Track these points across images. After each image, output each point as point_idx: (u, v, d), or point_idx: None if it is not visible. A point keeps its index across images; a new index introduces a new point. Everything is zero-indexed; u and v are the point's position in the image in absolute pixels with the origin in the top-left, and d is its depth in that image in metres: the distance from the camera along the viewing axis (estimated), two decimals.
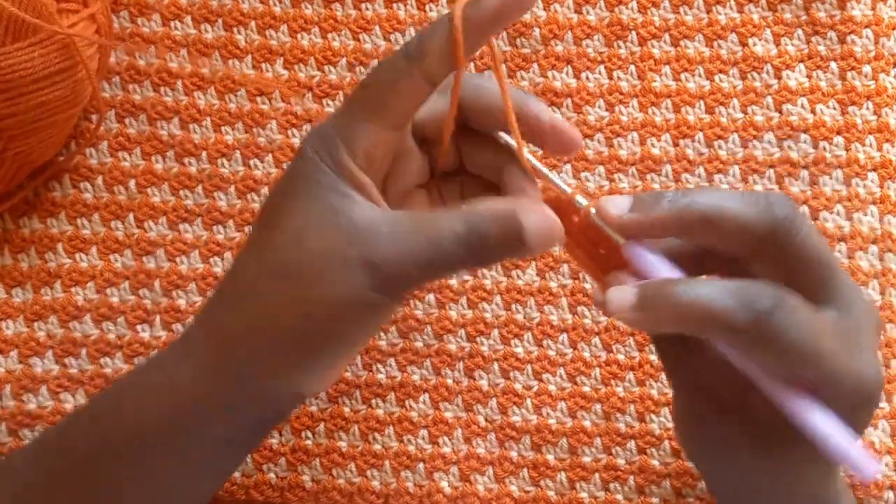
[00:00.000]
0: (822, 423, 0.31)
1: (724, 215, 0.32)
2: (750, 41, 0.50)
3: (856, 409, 0.33)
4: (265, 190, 0.49)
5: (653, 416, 0.47)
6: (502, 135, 0.37)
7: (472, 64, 0.50)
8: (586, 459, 0.47)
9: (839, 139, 0.49)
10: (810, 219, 0.34)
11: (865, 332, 0.33)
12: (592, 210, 0.35)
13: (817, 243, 0.33)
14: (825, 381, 0.32)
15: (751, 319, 0.31)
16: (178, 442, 0.36)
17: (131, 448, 0.36)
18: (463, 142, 0.38)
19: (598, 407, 0.47)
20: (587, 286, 0.48)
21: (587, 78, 0.50)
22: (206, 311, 0.37)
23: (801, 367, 0.32)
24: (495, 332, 0.48)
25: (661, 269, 0.33)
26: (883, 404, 0.47)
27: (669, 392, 0.47)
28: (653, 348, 0.47)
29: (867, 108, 0.49)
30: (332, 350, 0.35)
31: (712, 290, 0.31)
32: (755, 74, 0.50)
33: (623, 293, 0.33)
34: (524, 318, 0.48)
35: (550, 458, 0.47)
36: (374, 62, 0.50)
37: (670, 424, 0.47)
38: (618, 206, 0.34)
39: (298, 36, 0.51)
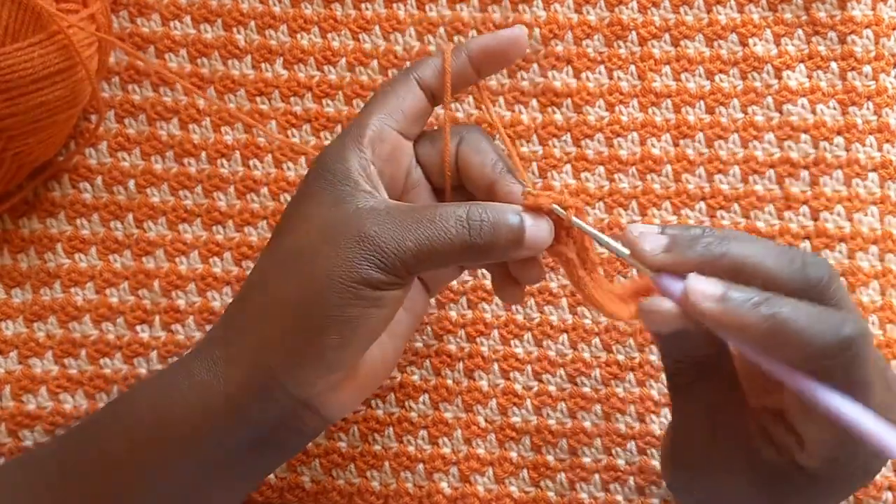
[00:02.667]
0: (862, 417, 0.32)
1: (757, 271, 0.32)
2: (750, 41, 0.50)
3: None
4: (265, 190, 0.49)
5: (653, 417, 0.47)
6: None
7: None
8: (586, 460, 0.47)
9: (839, 139, 0.49)
10: (840, 280, 0.34)
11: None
12: (574, 219, 0.36)
13: (851, 305, 0.34)
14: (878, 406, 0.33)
15: (837, 344, 0.31)
16: (190, 440, 0.36)
17: (139, 449, 0.37)
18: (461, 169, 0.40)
19: (598, 408, 0.47)
20: None
21: (587, 78, 0.50)
22: (227, 311, 0.38)
23: (866, 390, 0.32)
24: (495, 333, 0.48)
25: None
26: None
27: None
28: (653, 349, 0.47)
29: (867, 109, 0.49)
30: (331, 336, 0.34)
31: (800, 313, 0.31)
32: (755, 74, 0.49)
33: (707, 286, 0.32)
34: (524, 318, 0.48)
35: (550, 458, 0.47)
36: (374, 62, 0.50)
37: None
38: (652, 243, 0.34)
39: (298, 36, 0.51)
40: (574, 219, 0.36)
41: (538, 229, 0.36)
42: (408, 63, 0.50)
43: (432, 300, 0.48)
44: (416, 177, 0.40)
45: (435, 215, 0.35)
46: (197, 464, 0.37)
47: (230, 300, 0.48)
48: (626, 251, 0.35)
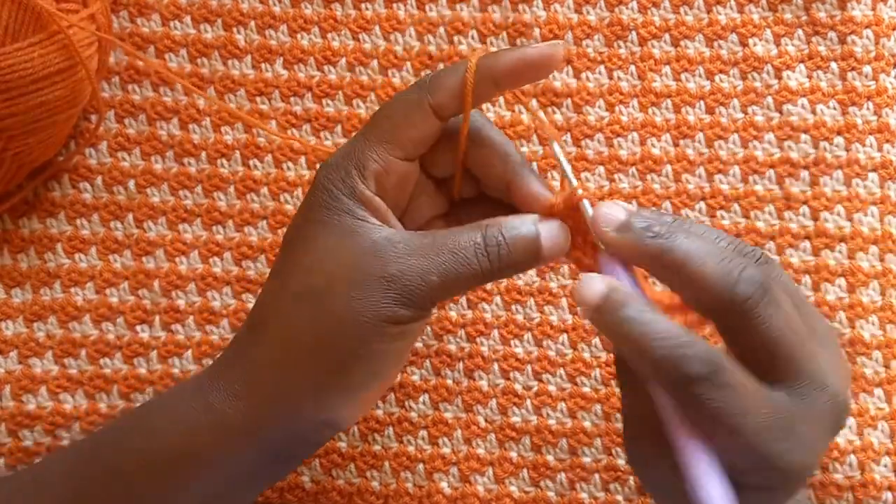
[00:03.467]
0: (706, 480, 0.30)
1: (694, 275, 0.32)
2: (750, 41, 0.50)
3: (771, 486, 0.32)
4: (265, 190, 0.49)
5: None
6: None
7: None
8: (586, 460, 0.47)
9: (839, 139, 0.49)
10: (789, 294, 0.33)
11: (813, 422, 0.32)
12: (587, 204, 0.35)
13: (779, 325, 0.32)
14: (739, 453, 0.31)
15: (679, 381, 0.30)
16: (201, 467, 0.36)
17: (157, 471, 0.37)
18: (474, 165, 0.39)
19: (598, 407, 0.47)
20: None
21: (587, 78, 0.50)
22: (235, 341, 0.38)
23: (716, 433, 0.31)
24: (495, 333, 0.48)
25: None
26: (883, 405, 0.47)
27: None
28: None
29: (867, 109, 0.49)
30: (359, 371, 0.35)
31: (658, 331, 0.31)
32: (755, 75, 0.49)
33: (592, 286, 0.32)
34: (524, 318, 0.48)
35: (550, 458, 0.47)
36: (374, 62, 0.50)
37: None
38: (610, 219, 0.34)
39: (298, 36, 0.51)
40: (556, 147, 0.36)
41: (554, 238, 0.35)
42: (408, 64, 0.50)
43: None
44: (421, 183, 0.39)
45: (454, 246, 0.34)
46: (208, 481, 0.37)
47: (230, 300, 0.48)
48: (591, 213, 0.35)
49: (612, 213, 0.33)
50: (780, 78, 0.49)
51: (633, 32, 0.50)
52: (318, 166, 0.38)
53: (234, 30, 0.51)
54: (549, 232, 0.35)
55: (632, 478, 0.46)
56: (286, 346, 0.35)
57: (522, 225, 0.35)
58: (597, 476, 0.46)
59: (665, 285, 0.34)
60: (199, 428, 0.36)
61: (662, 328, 0.31)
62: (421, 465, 0.47)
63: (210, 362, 0.48)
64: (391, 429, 0.47)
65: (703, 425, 0.31)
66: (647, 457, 0.35)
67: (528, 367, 0.47)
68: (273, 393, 0.35)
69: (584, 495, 0.46)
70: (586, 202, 0.35)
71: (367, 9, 0.51)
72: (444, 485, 0.47)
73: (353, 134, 0.38)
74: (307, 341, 0.35)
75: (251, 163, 0.50)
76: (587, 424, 0.47)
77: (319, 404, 0.35)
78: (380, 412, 0.47)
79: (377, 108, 0.50)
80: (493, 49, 0.50)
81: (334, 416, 0.36)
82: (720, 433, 0.31)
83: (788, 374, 0.32)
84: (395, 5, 0.51)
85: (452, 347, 0.48)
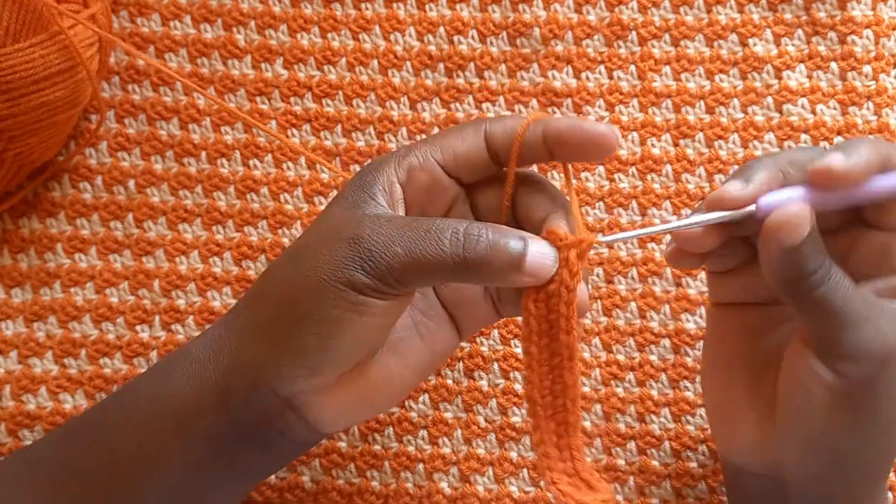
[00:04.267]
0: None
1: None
2: (750, 41, 0.50)
3: (882, 362, 0.34)
4: (265, 190, 0.49)
5: (653, 417, 0.47)
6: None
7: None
8: (586, 459, 0.46)
9: (839, 139, 0.49)
10: None
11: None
12: (599, 238, 0.34)
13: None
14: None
15: (792, 279, 0.34)
16: (182, 429, 0.36)
17: (149, 438, 0.37)
18: (521, 204, 0.38)
19: (598, 407, 0.47)
20: (588, 287, 0.48)
21: (587, 78, 0.50)
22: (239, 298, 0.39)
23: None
24: (495, 333, 0.48)
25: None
26: None
27: (670, 392, 0.47)
28: (653, 349, 0.47)
29: (867, 109, 0.49)
30: (309, 333, 0.34)
31: (792, 218, 0.34)
32: (755, 74, 0.49)
33: (796, 211, 0.34)
34: None
35: None
36: (374, 62, 0.50)
37: (670, 425, 0.47)
38: (730, 188, 0.35)
39: (298, 36, 0.51)
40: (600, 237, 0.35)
41: (541, 257, 0.34)
42: (408, 64, 0.50)
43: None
44: (462, 214, 0.38)
45: (432, 226, 0.34)
46: (189, 456, 0.37)
47: (230, 300, 0.48)
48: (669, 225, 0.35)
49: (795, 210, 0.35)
50: (780, 78, 0.49)
51: (633, 32, 0.50)
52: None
53: (234, 30, 0.51)
54: (538, 249, 0.34)
55: (632, 478, 0.46)
56: (257, 301, 0.36)
57: (511, 233, 0.34)
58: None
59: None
60: (176, 385, 0.36)
61: (791, 206, 0.34)
62: (421, 465, 0.47)
63: None
64: (391, 429, 0.47)
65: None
66: (719, 386, 0.39)
67: None
68: (237, 345, 0.36)
69: None
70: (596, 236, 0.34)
71: (367, 9, 0.51)
72: (444, 485, 0.47)
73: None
74: (273, 296, 0.35)
75: (251, 163, 0.50)
76: (587, 425, 0.47)
77: (275, 370, 0.35)
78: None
79: (377, 108, 0.50)
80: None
81: (294, 392, 0.35)
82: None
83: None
84: (395, 5, 0.51)
85: None
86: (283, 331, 0.35)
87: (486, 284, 0.38)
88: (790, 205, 0.34)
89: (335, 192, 0.48)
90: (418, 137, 0.49)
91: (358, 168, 0.49)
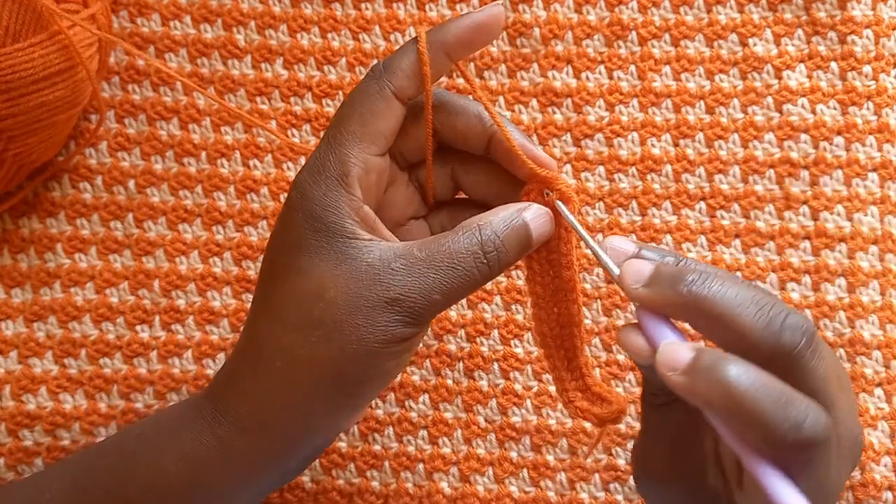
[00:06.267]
0: (791, 497, 0.30)
1: (732, 324, 0.31)
2: (750, 41, 0.50)
3: None
4: (265, 190, 0.49)
5: None
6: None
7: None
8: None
9: (839, 139, 0.49)
10: (824, 343, 0.33)
11: (840, 462, 0.32)
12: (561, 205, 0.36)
13: (822, 372, 0.31)
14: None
15: (789, 431, 0.29)
16: (211, 497, 0.36)
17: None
18: (456, 166, 0.39)
19: None
20: (587, 286, 0.48)
21: (587, 78, 0.50)
22: (231, 372, 0.37)
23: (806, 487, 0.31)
24: (495, 333, 0.48)
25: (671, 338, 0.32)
26: (883, 405, 0.47)
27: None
28: None
29: (867, 109, 0.49)
30: (370, 390, 0.36)
31: (760, 389, 0.29)
32: (755, 74, 0.49)
33: (677, 354, 0.31)
34: (524, 318, 0.48)
35: (550, 458, 0.47)
36: (374, 62, 0.50)
37: None
38: (635, 275, 0.33)
39: (298, 36, 0.51)
40: (565, 212, 0.36)
41: (541, 226, 0.36)
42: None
43: None
44: (394, 175, 0.38)
45: (453, 258, 0.34)
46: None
47: (230, 300, 0.48)
48: (617, 271, 0.34)
49: (640, 267, 0.33)
50: (780, 78, 0.49)
51: (633, 32, 0.50)
52: (292, 184, 0.36)
53: (234, 30, 0.51)
54: (537, 220, 0.36)
55: (632, 478, 0.46)
56: (293, 379, 0.35)
57: (512, 219, 0.35)
58: (597, 476, 0.46)
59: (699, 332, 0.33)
60: (210, 462, 0.36)
61: (772, 386, 0.30)
62: (421, 465, 0.47)
63: (209, 363, 0.48)
64: (391, 429, 0.47)
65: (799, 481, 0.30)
66: (654, 490, 0.36)
67: (528, 367, 0.47)
68: (284, 427, 0.35)
69: (584, 495, 0.46)
70: (603, 254, 0.34)
71: (367, 9, 0.51)
72: (444, 485, 0.47)
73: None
74: (315, 371, 0.34)
75: (251, 163, 0.50)
76: (587, 424, 0.47)
77: (329, 428, 0.36)
78: (380, 412, 0.47)
79: None
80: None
81: (335, 434, 0.37)
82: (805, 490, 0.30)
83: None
84: (395, 5, 0.51)
85: (452, 347, 0.48)
86: (340, 398, 0.35)
87: None
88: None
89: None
90: None
91: None
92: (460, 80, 0.50)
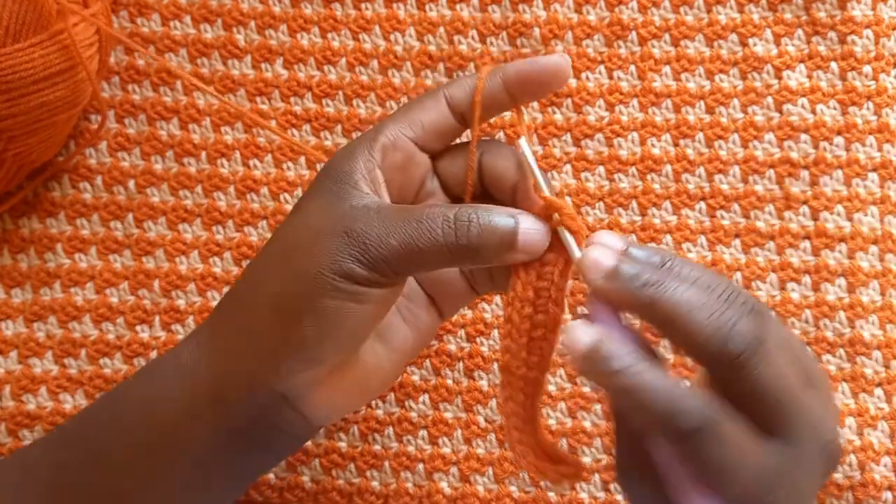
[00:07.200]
0: None
1: (683, 328, 0.31)
2: (750, 41, 0.50)
3: None
4: (265, 190, 0.49)
5: None
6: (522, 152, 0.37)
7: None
8: (586, 460, 0.47)
9: (839, 139, 0.49)
10: (786, 348, 0.32)
11: (806, 470, 0.32)
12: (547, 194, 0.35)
13: (773, 379, 0.31)
14: (735, 499, 0.31)
15: (677, 433, 0.30)
16: (175, 433, 0.36)
17: (141, 445, 0.37)
18: (487, 171, 0.39)
19: (598, 407, 0.47)
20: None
21: (587, 78, 0.50)
22: (219, 303, 0.38)
23: (710, 483, 0.31)
24: (495, 333, 0.48)
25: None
26: (883, 405, 0.47)
27: None
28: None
29: (867, 109, 0.49)
30: (308, 327, 0.34)
31: (657, 388, 0.31)
32: (755, 74, 0.49)
33: (579, 336, 0.32)
34: None
35: None
36: (374, 62, 0.50)
37: None
38: (598, 266, 0.33)
39: (298, 36, 0.51)
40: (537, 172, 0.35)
41: (533, 233, 0.35)
42: (408, 64, 0.50)
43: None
44: (431, 188, 0.39)
45: (423, 215, 0.34)
46: (183, 460, 0.36)
47: None
48: (578, 254, 0.34)
49: (601, 258, 0.33)
50: (780, 78, 0.49)
51: (633, 32, 0.50)
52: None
53: (234, 30, 0.51)
54: (529, 225, 0.35)
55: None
56: (250, 304, 0.36)
57: (501, 212, 0.35)
58: (597, 476, 0.46)
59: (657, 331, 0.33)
60: (166, 391, 0.36)
61: (656, 381, 0.31)
62: (421, 465, 0.47)
63: None
64: (391, 429, 0.47)
65: (699, 475, 0.31)
66: (641, 494, 0.35)
67: None
68: (231, 348, 0.36)
69: (584, 495, 0.46)
70: (569, 238, 0.34)
71: (367, 9, 0.51)
72: (444, 485, 0.47)
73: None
74: (266, 301, 0.35)
75: (251, 163, 0.50)
76: (587, 424, 0.47)
77: (273, 367, 0.35)
78: (380, 412, 0.47)
79: (377, 108, 0.50)
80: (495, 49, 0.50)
81: (290, 386, 0.35)
82: (714, 483, 0.31)
83: (780, 426, 0.32)
84: (395, 5, 0.51)
85: (452, 347, 0.48)
86: (280, 330, 0.35)
87: (482, 266, 0.38)
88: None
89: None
90: None
91: None
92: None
